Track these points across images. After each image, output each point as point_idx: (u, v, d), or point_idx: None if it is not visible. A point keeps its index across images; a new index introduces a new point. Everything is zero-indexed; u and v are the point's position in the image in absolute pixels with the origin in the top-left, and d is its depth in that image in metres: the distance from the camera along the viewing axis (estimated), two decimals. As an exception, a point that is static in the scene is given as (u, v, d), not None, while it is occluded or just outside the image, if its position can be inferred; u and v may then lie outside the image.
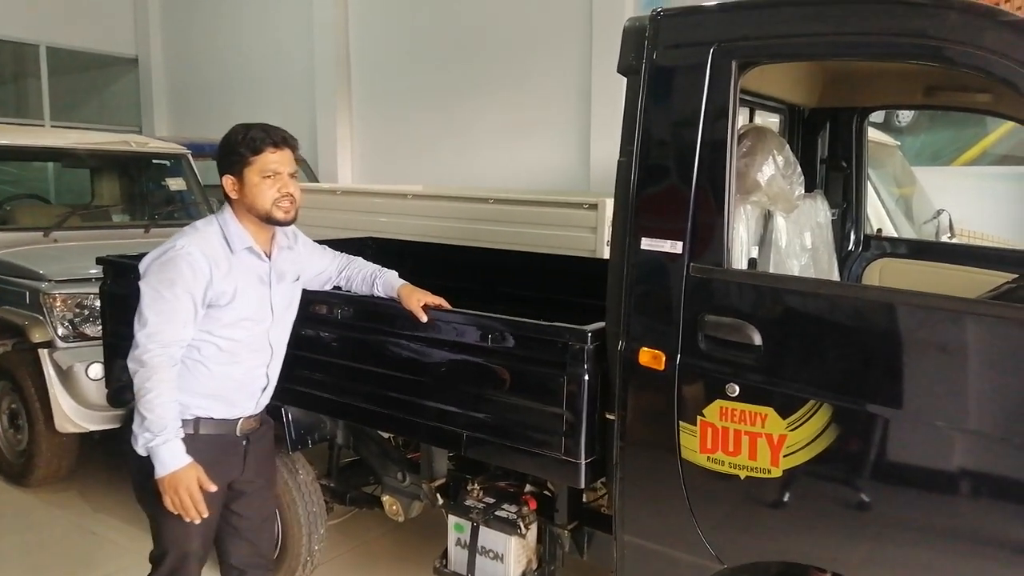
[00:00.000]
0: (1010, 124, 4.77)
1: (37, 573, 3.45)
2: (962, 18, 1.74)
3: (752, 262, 2.39)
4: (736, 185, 2.10)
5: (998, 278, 2.53)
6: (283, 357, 2.41)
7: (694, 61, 2.05)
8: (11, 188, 5.99)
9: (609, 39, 5.31)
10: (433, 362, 2.51)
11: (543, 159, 7.19)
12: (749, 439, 1.96)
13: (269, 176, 2.17)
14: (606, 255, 3.02)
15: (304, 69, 9.03)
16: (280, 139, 2.20)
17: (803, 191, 2.55)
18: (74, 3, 10.53)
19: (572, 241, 3.85)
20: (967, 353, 1.77)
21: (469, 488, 2.70)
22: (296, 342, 2.82)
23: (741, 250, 2.28)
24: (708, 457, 2.04)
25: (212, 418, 2.23)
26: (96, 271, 3.57)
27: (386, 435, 3.11)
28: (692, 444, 2.06)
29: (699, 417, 2.04)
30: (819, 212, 2.75)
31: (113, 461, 4.38)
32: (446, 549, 2.75)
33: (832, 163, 2.99)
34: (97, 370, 3.82)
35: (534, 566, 2.62)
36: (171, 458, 2.06)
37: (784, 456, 1.92)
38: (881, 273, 3.00)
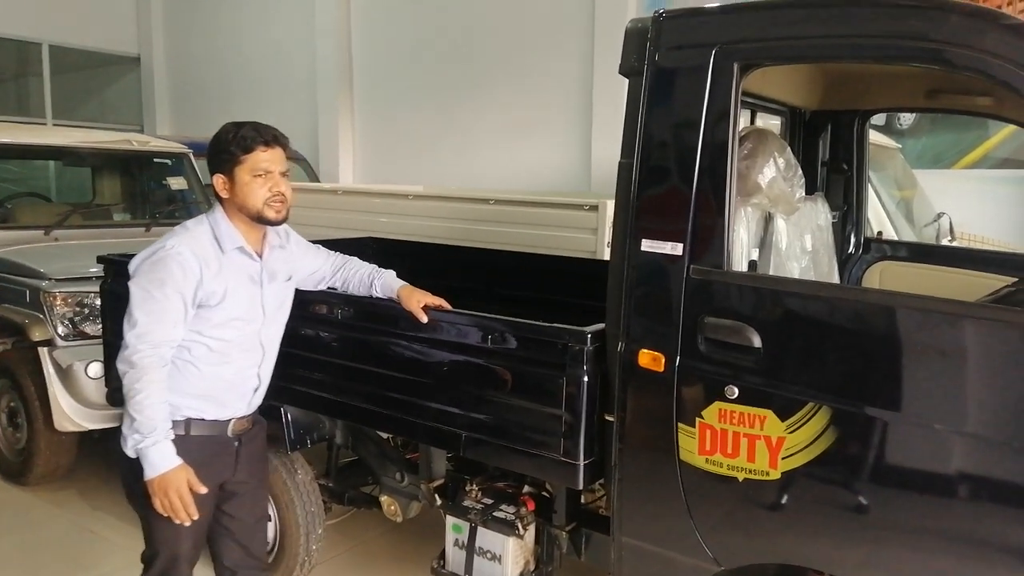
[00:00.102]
0: (1011, 127, 4.77)
1: (35, 572, 3.44)
2: (963, 21, 1.74)
3: (752, 264, 2.39)
4: (737, 187, 2.10)
5: (998, 282, 2.53)
6: (275, 357, 2.39)
7: (696, 63, 2.05)
8: (12, 186, 6.00)
9: (611, 40, 5.32)
10: (432, 362, 2.51)
11: (544, 160, 7.19)
12: (748, 441, 1.96)
13: (260, 175, 2.15)
14: (606, 256, 3.02)
15: (306, 69, 9.04)
16: (271, 137, 2.18)
17: (804, 193, 2.55)
18: (77, 2, 10.55)
19: (573, 242, 3.85)
20: (966, 356, 1.77)
21: (467, 489, 2.70)
22: (295, 342, 2.82)
23: (741, 252, 2.28)
24: (707, 459, 2.04)
25: (204, 419, 2.21)
26: (96, 270, 3.57)
27: (385, 435, 3.11)
28: (691, 446, 2.06)
29: (698, 419, 2.04)
30: (820, 214, 2.75)
31: (112, 460, 4.37)
32: (444, 550, 2.75)
33: (833, 165, 2.99)
34: (97, 369, 3.83)
35: (532, 567, 2.62)
36: (160, 460, 2.05)
37: (783, 458, 1.92)
38: (881, 276, 2.99)
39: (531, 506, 2.59)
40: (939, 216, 4.92)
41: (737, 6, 2.19)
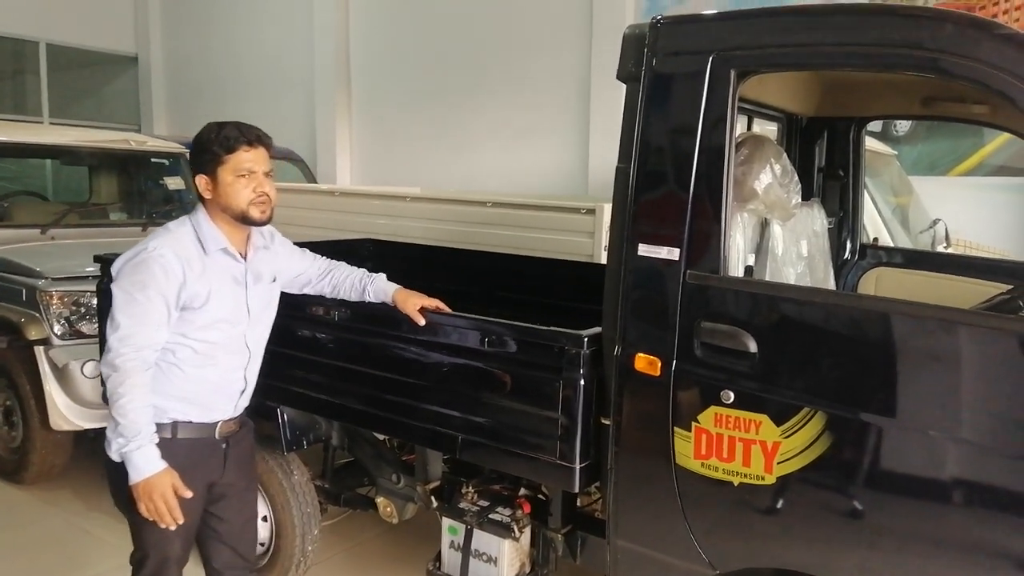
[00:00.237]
0: (1007, 135, 4.79)
1: (29, 571, 3.44)
2: (959, 30, 1.75)
3: (748, 270, 2.40)
4: (733, 193, 2.11)
5: (993, 289, 2.54)
6: (261, 359, 2.36)
7: (693, 69, 2.06)
8: (9, 185, 5.99)
9: (609, 45, 5.32)
10: (429, 365, 2.52)
11: (542, 163, 7.20)
12: (743, 446, 1.97)
13: (244, 175, 2.12)
14: (603, 260, 3.04)
15: (304, 70, 9.04)
16: (254, 137, 2.15)
17: (800, 199, 2.56)
18: (75, 0, 10.53)
19: (570, 246, 3.86)
20: (960, 363, 1.78)
21: (463, 491, 2.70)
22: (292, 343, 2.83)
23: (738, 257, 2.29)
24: (702, 463, 2.04)
25: (191, 422, 2.19)
26: (93, 269, 3.57)
27: (381, 437, 3.11)
28: (686, 450, 2.06)
29: (694, 423, 2.05)
30: (816, 220, 2.76)
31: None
32: (439, 551, 2.75)
33: (829, 172, 3.00)
34: (92, 368, 3.82)
35: (527, 569, 2.63)
36: (145, 464, 2.03)
37: (778, 463, 1.93)
38: (876, 282, 3.01)
39: (527, 509, 2.60)
40: (934, 223, 4.94)
41: (735, 13, 2.21)
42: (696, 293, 2.05)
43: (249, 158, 2.14)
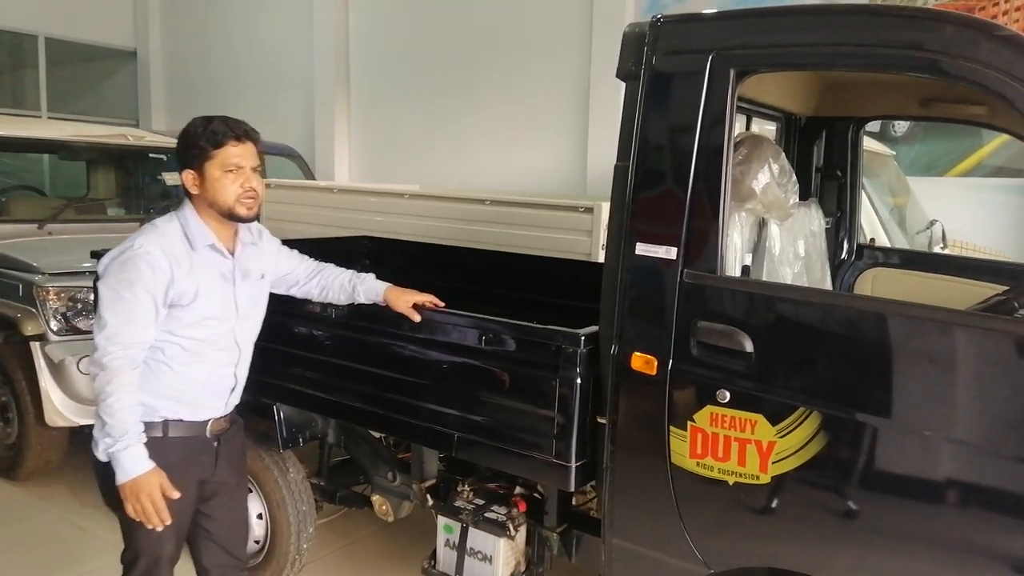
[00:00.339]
0: (1005, 136, 4.79)
1: (24, 567, 3.43)
2: (958, 31, 1.75)
3: (746, 269, 2.40)
4: (731, 192, 2.11)
5: (989, 290, 2.54)
6: (250, 356, 2.34)
7: (693, 68, 2.06)
8: (6, 179, 5.98)
9: (608, 43, 5.32)
10: (425, 362, 2.52)
11: (540, 161, 7.20)
12: (739, 445, 1.97)
13: (232, 170, 2.11)
14: (601, 259, 3.04)
15: (303, 66, 9.02)
16: (242, 132, 2.13)
17: (798, 199, 2.56)
18: (74, -5, 10.51)
19: (567, 244, 3.86)
20: (956, 364, 1.78)
21: (459, 489, 2.70)
22: (289, 340, 2.83)
23: (735, 257, 2.29)
24: (697, 462, 2.05)
25: (181, 420, 2.17)
26: (90, 264, 3.56)
27: (377, 435, 3.11)
28: (682, 449, 2.07)
29: (689, 422, 2.05)
30: (813, 220, 2.76)
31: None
32: (435, 550, 2.75)
33: (827, 172, 3.00)
34: (88, 364, 3.81)
35: (522, 568, 2.63)
36: (132, 464, 2.01)
37: (773, 463, 1.93)
38: (873, 282, 3.01)
39: (522, 507, 2.60)
40: (932, 223, 4.94)
41: (734, 13, 2.21)
42: (693, 292, 2.05)
43: (237, 153, 2.12)
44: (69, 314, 4.01)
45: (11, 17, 9.99)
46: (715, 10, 2.17)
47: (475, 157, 7.66)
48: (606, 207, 3.32)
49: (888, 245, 4.25)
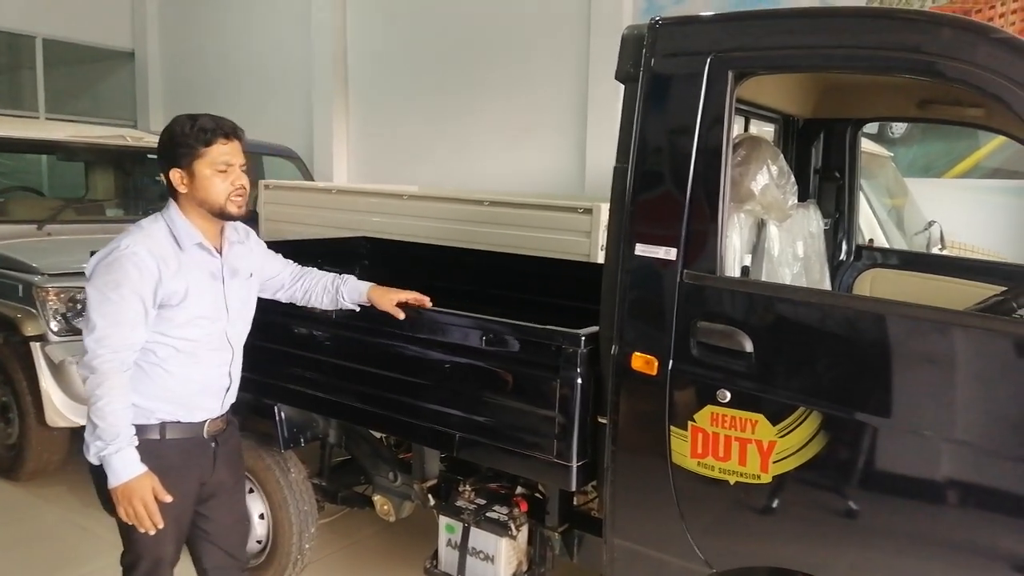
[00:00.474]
0: (1002, 138, 4.81)
1: (25, 567, 3.44)
2: (955, 34, 1.77)
3: (745, 270, 2.41)
4: (730, 193, 2.12)
5: (987, 290, 2.56)
6: (243, 356, 2.33)
7: (691, 70, 2.07)
8: (5, 180, 5.98)
9: (606, 45, 5.33)
10: (426, 363, 2.53)
11: (539, 162, 7.21)
12: (739, 445, 1.99)
13: (223, 169, 2.09)
14: (600, 259, 3.05)
15: (301, 67, 9.02)
16: (230, 130, 2.12)
17: (796, 201, 2.58)
18: (72, -4, 10.51)
19: (567, 245, 3.87)
20: (955, 364, 1.79)
21: (460, 489, 2.71)
22: (290, 340, 2.84)
23: (734, 258, 2.30)
24: (698, 462, 2.06)
25: (179, 422, 2.16)
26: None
27: (378, 435, 3.12)
28: (683, 449, 2.08)
29: (690, 422, 2.06)
30: (812, 222, 2.77)
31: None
32: (436, 550, 2.76)
33: (825, 173, 3.02)
34: (79, 367, 3.81)
35: (524, 568, 2.64)
36: (123, 468, 2.00)
37: (773, 462, 1.95)
38: (872, 283, 3.02)
39: (524, 507, 2.60)
40: (930, 224, 4.96)
41: (733, 15, 2.23)
42: (693, 293, 2.06)
43: (227, 151, 2.11)
44: (69, 315, 4.01)
45: (9, 18, 9.98)
46: (713, 12, 2.18)
47: (474, 158, 7.67)
48: (605, 208, 3.33)
49: (886, 246, 4.27)
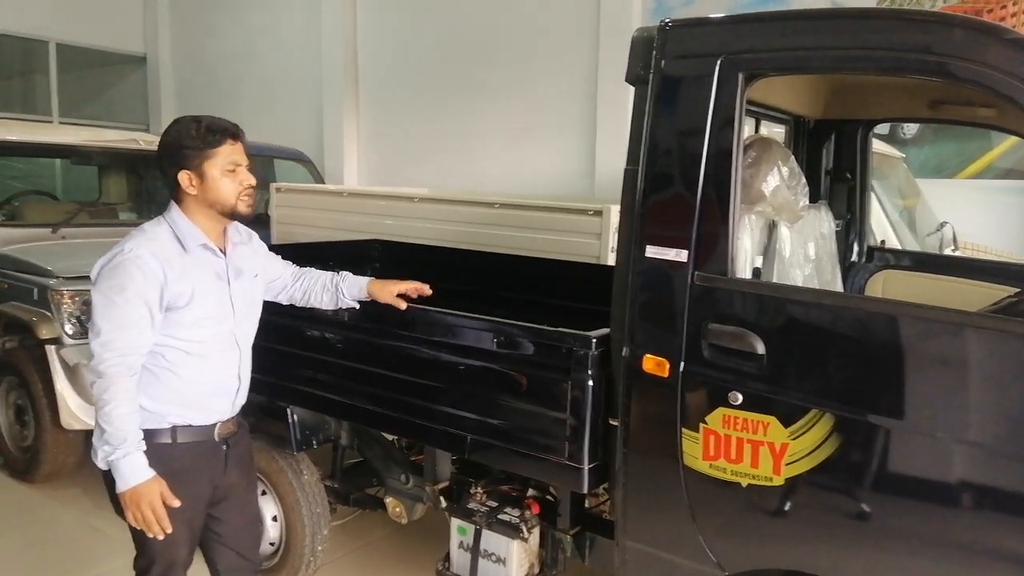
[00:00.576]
0: (1014, 139, 4.78)
1: (41, 569, 3.47)
2: (966, 35, 1.76)
3: (756, 272, 2.41)
4: (741, 195, 2.12)
5: (1000, 292, 2.55)
6: (251, 357, 2.34)
7: (701, 72, 2.07)
8: (19, 184, 6.03)
9: (616, 47, 5.33)
10: (438, 365, 2.53)
11: (549, 164, 7.21)
12: (751, 447, 1.98)
13: (232, 169, 2.11)
14: (611, 261, 3.05)
15: (312, 71, 9.06)
16: (236, 130, 2.14)
17: (807, 202, 2.57)
18: (84, 0, 10.59)
19: (577, 247, 3.87)
20: (968, 366, 1.79)
21: (472, 491, 2.72)
22: (302, 342, 2.85)
23: (745, 259, 2.30)
24: (710, 464, 2.06)
25: (190, 425, 2.16)
26: (104, 269, 3.59)
27: (390, 437, 3.13)
28: (694, 451, 2.08)
29: (702, 424, 2.06)
30: (823, 223, 2.77)
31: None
32: (448, 552, 2.77)
33: (837, 174, 3.01)
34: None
35: (536, 570, 2.64)
36: (131, 472, 2.00)
37: (786, 464, 1.94)
38: (884, 285, 3.01)
39: (535, 509, 2.61)
40: (942, 225, 4.93)
41: (743, 17, 2.22)
42: (704, 295, 2.06)
43: (234, 151, 2.12)
44: (84, 318, 4.04)
45: (22, 23, 10.07)
46: (723, 14, 2.19)
47: (484, 160, 7.68)
48: (615, 210, 3.33)
49: (898, 247, 4.25)
